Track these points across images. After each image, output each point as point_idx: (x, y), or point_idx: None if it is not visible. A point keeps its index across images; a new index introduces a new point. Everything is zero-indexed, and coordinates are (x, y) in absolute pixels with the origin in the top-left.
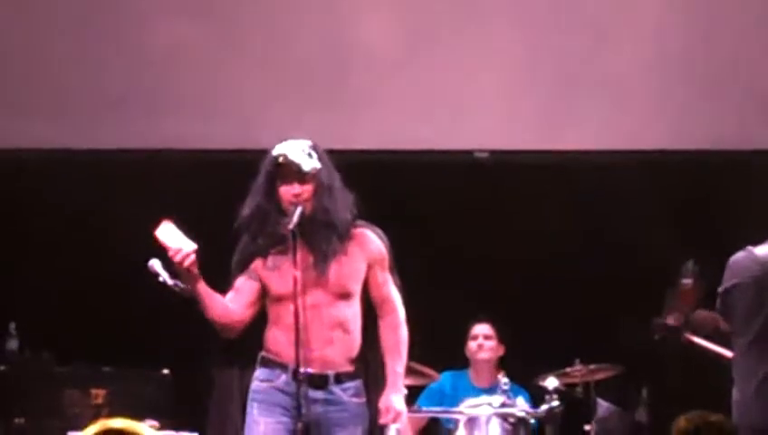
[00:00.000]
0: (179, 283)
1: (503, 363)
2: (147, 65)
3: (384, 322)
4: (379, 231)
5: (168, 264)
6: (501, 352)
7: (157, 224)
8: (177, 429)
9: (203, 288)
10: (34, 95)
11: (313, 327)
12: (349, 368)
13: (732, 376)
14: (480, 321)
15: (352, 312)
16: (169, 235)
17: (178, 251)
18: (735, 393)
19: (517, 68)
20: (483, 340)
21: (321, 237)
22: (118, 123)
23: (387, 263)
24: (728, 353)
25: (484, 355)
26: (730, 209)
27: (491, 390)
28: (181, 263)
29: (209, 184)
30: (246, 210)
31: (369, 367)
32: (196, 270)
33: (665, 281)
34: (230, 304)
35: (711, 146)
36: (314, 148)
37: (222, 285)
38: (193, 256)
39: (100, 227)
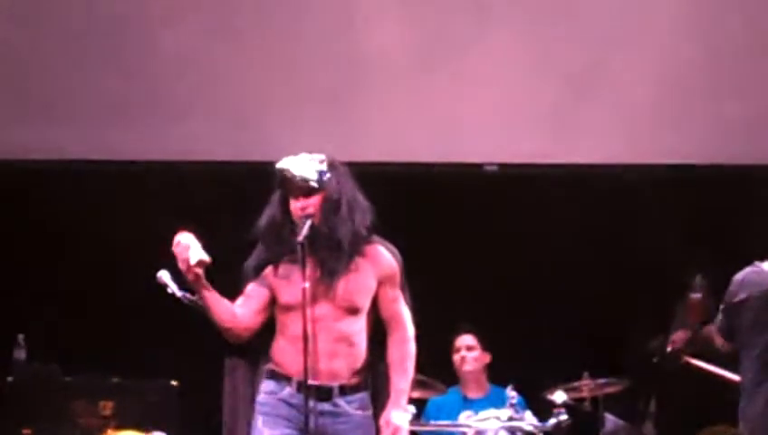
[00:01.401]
0: (188, 294)
1: (512, 377)
2: (152, 76)
3: (392, 338)
4: (393, 248)
5: (178, 274)
6: (486, 360)
7: (164, 234)
8: None
9: (209, 294)
10: (39, 105)
11: (319, 339)
12: (354, 380)
13: (739, 389)
14: (462, 332)
15: (359, 326)
16: (185, 241)
17: (182, 253)
18: (743, 406)
19: (526, 81)
20: (465, 352)
21: (328, 253)
22: (122, 134)
23: (398, 280)
24: (728, 375)
25: (468, 367)
26: (738, 224)
27: (483, 400)
28: (184, 267)
29: (215, 195)
30: (262, 220)
31: (376, 381)
32: (201, 275)
33: (673, 295)
34: (238, 310)
35: (720, 160)
36: (327, 161)
37: (230, 296)
38: (194, 264)
39: (108, 239)
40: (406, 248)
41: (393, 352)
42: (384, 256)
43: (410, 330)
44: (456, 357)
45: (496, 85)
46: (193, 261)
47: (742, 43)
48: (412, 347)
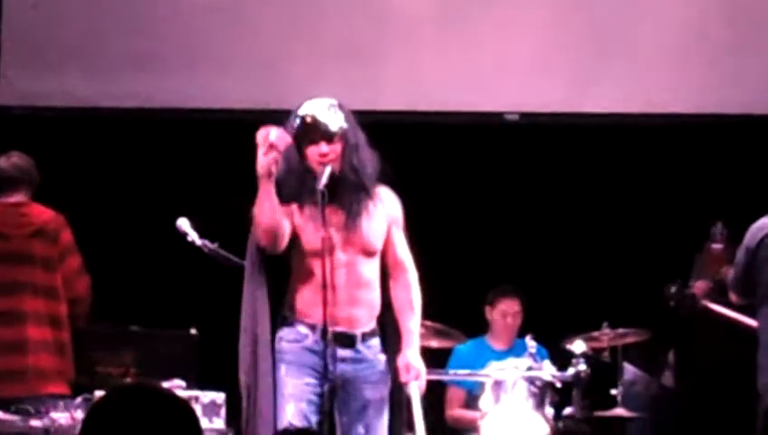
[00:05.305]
0: (207, 242)
1: (532, 326)
2: (178, 26)
3: (397, 282)
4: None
5: (195, 223)
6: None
7: (184, 182)
8: (203, 389)
9: (272, 186)
10: (62, 52)
11: (341, 286)
12: (372, 326)
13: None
14: (509, 295)
15: (376, 270)
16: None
17: (270, 145)
18: (761, 359)
19: (549, 29)
20: (512, 318)
21: (352, 197)
22: (147, 82)
23: (402, 222)
24: (747, 320)
25: (512, 330)
26: (760, 173)
27: (510, 351)
28: (265, 153)
29: (231, 143)
30: (279, 169)
31: (385, 327)
32: (274, 169)
33: (694, 244)
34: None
35: (740, 110)
36: (339, 106)
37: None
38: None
39: (126, 187)
40: (422, 198)
41: (401, 295)
42: (392, 198)
43: (414, 273)
44: (501, 320)
45: (518, 34)
46: (272, 137)
47: None
48: (418, 290)
